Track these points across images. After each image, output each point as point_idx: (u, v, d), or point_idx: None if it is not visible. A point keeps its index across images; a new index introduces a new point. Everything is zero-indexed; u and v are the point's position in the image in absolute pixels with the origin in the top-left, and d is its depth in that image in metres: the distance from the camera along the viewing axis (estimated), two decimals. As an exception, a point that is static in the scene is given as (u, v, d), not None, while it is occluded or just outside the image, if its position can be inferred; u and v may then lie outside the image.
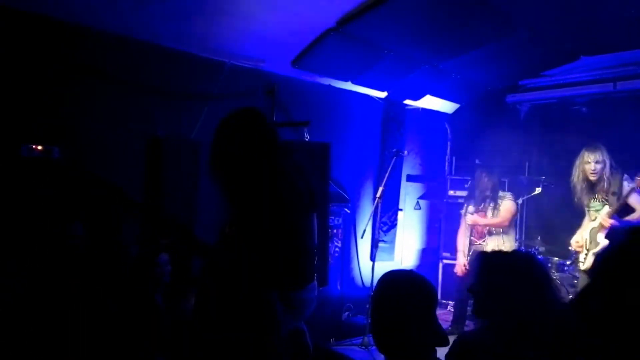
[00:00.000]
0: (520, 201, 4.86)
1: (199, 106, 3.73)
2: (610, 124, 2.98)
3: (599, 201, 3.83)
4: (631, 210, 3.74)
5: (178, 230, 2.50)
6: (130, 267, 2.73)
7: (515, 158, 5.37)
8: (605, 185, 3.78)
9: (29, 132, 2.94)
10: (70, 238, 2.76)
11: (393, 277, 1.69)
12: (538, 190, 4.82)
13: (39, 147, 2.89)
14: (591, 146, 3.85)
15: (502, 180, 4.91)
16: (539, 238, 4.84)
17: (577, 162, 3.92)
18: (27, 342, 2.30)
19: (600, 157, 3.78)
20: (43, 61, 3.04)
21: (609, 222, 3.70)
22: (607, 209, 3.75)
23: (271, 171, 2.08)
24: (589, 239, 3.90)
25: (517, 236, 4.93)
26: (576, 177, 3.92)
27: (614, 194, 3.75)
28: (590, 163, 3.79)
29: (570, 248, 4.09)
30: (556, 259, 4.60)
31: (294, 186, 2.16)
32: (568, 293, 4.08)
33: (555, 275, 4.41)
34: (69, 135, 3.10)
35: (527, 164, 5.51)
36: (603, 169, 3.77)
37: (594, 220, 3.88)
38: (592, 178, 3.80)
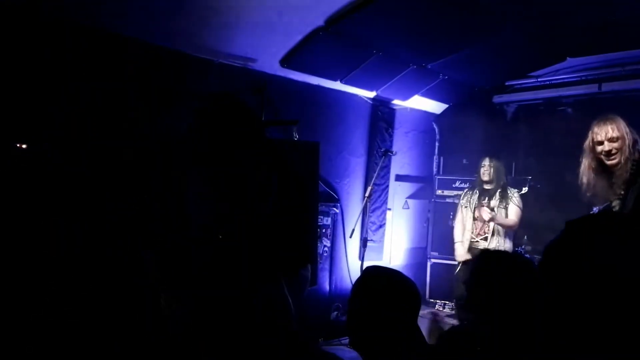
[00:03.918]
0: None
1: (187, 105, 3.71)
2: (596, 125, 3.00)
3: (617, 197, 2.68)
4: None
5: (167, 231, 2.49)
6: (120, 266, 2.72)
7: (503, 158, 5.42)
8: (626, 174, 2.61)
9: (19, 129, 2.91)
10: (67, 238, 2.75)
11: (382, 272, 1.65)
12: (525, 190, 4.84)
13: (24, 146, 2.86)
14: (603, 118, 2.78)
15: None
16: (525, 237, 4.88)
17: (586, 144, 2.82)
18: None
19: (616, 131, 2.67)
20: (30, 58, 2.99)
21: None
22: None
23: (267, 157, 2.11)
24: None
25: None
26: (586, 165, 2.81)
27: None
28: (603, 143, 2.69)
29: None
30: (542, 258, 4.64)
31: (290, 170, 2.20)
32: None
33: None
34: (56, 133, 3.06)
35: (513, 164, 5.55)
36: (623, 148, 2.65)
37: None
38: (610, 162, 2.69)
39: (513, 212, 4.36)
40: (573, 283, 0.86)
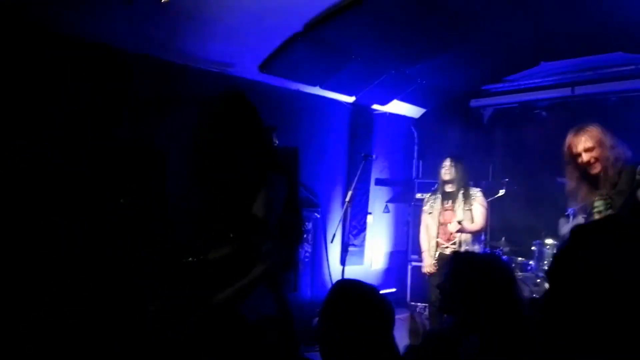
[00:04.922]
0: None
1: (163, 112, 3.67)
2: (569, 127, 3.05)
3: (603, 199, 2.79)
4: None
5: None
6: (120, 266, 2.69)
7: (480, 161, 5.50)
8: (610, 177, 2.72)
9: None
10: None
11: (350, 288, 1.61)
12: (502, 192, 4.89)
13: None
14: (576, 128, 2.85)
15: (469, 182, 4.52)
16: (503, 239, 4.95)
17: (565, 153, 2.90)
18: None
19: (590, 141, 2.75)
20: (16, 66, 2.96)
21: None
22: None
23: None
24: None
25: (482, 237, 4.93)
26: (570, 173, 2.91)
27: (620, 192, 2.64)
28: (581, 154, 2.79)
29: None
30: (520, 258, 4.72)
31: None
32: (531, 292, 4.18)
33: (519, 274, 4.53)
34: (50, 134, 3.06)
35: (490, 166, 5.64)
36: (601, 155, 2.73)
37: None
38: (594, 171, 2.77)
39: (479, 214, 4.24)
40: (569, 283, 0.87)
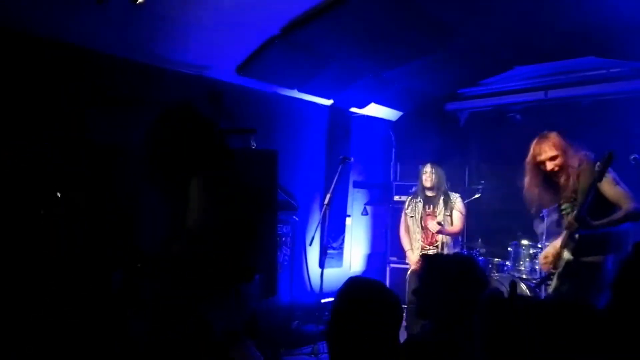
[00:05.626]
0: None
1: (141, 114, 3.60)
2: (543, 130, 3.13)
3: (568, 201, 2.98)
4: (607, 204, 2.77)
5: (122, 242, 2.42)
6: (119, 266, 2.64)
7: (456, 163, 5.56)
8: (571, 182, 2.88)
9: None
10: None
11: (362, 284, 1.62)
12: (478, 195, 4.96)
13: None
14: (539, 137, 3.01)
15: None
16: (479, 240, 5.01)
17: (528, 161, 3.06)
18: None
19: (554, 149, 2.92)
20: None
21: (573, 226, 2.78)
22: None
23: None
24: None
25: (460, 239, 4.98)
26: (530, 182, 3.07)
27: (582, 190, 2.75)
28: (545, 163, 2.96)
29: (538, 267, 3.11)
30: (496, 259, 4.79)
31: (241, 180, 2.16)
32: (507, 292, 4.21)
33: (495, 275, 4.59)
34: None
35: (467, 169, 5.72)
36: (565, 163, 2.90)
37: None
38: (558, 179, 2.96)
39: (457, 218, 4.38)
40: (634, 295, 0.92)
